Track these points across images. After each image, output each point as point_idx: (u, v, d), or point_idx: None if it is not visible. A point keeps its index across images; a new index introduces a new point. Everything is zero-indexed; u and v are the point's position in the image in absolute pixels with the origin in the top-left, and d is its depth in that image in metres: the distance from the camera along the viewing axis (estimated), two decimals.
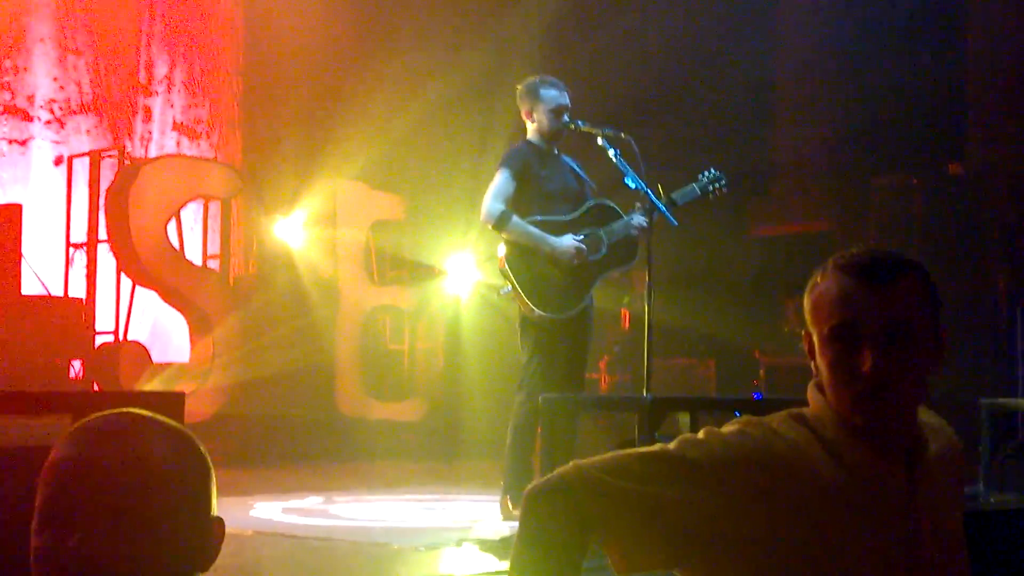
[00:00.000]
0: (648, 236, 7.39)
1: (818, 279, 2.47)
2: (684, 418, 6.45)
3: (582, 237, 7.72)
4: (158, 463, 2.04)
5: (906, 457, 2.45)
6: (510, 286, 7.70)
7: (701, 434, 2.44)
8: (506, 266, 7.67)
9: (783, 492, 2.34)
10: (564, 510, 2.36)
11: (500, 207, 7.64)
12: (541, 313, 7.59)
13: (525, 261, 7.65)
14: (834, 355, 2.40)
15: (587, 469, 2.38)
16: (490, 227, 7.75)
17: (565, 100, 7.87)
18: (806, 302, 2.50)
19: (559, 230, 7.71)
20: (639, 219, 7.71)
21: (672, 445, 2.42)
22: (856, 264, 2.42)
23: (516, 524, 2.45)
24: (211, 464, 2.17)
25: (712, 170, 7.96)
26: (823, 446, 2.40)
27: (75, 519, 1.98)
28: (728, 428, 2.45)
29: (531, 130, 7.96)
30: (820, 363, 2.45)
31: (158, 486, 2.03)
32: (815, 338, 2.47)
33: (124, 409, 2.12)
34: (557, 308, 7.65)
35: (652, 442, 5.54)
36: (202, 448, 2.17)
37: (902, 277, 2.41)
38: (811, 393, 2.51)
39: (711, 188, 7.92)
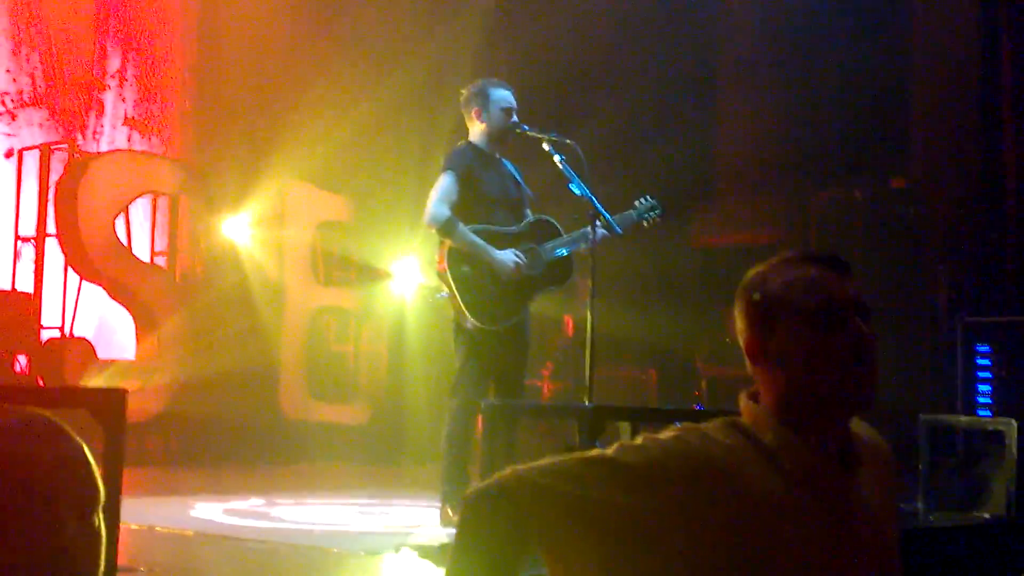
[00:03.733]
0: (592, 246, 7.42)
1: (768, 278, 2.53)
2: (624, 427, 6.51)
3: (522, 251, 7.78)
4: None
5: (841, 465, 2.48)
6: (447, 291, 7.76)
7: (639, 439, 2.43)
8: (446, 270, 7.69)
9: (721, 498, 2.34)
10: (502, 516, 2.35)
11: (446, 212, 7.65)
12: (474, 322, 7.62)
13: (465, 268, 7.68)
14: (816, 335, 2.45)
15: (525, 473, 2.37)
16: (434, 231, 7.77)
17: (514, 102, 7.95)
18: (753, 301, 2.54)
19: (501, 241, 7.75)
20: (583, 243, 7.74)
21: (610, 450, 2.42)
22: (818, 256, 2.53)
23: (454, 530, 2.46)
24: (93, 475, 2.15)
25: (648, 198, 8.06)
26: (760, 453, 2.42)
27: None
28: (666, 434, 2.44)
29: (476, 132, 8.00)
30: (785, 354, 2.49)
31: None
32: (775, 332, 2.50)
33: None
34: (490, 319, 7.66)
35: (592, 450, 5.61)
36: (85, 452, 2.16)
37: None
38: (744, 403, 2.55)
39: (646, 216, 8.02)
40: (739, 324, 2.59)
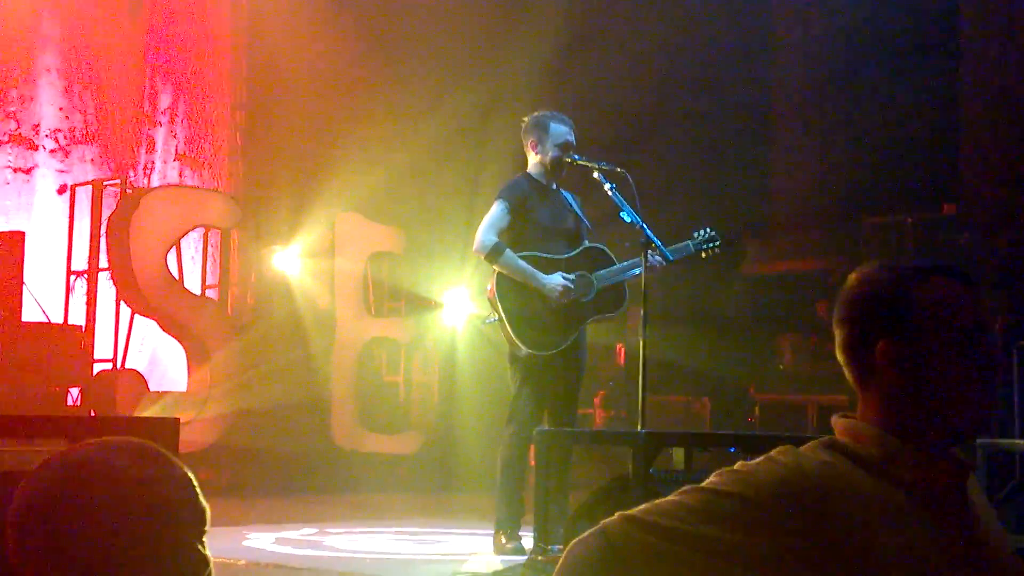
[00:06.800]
0: (644, 274, 7.36)
1: (914, 288, 2.39)
2: (678, 453, 6.47)
3: (572, 277, 7.76)
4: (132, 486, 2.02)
5: (958, 471, 2.37)
6: (496, 316, 7.75)
7: (738, 465, 2.32)
8: (495, 297, 7.69)
9: (833, 515, 2.23)
10: (605, 567, 2.27)
11: (493, 238, 7.67)
12: (524, 349, 7.62)
13: (514, 294, 7.66)
14: (963, 356, 2.35)
15: (634, 529, 2.27)
16: (482, 257, 7.77)
17: (572, 138, 7.89)
18: (894, 306, 2.40)
19: (550, 268, 7.72)
20: (636, 271, 7.66)
21: (731, 489, 2.28)
22: (952, 270, 2.42)
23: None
24: (201, 501, 2.10)
25: (707, 230, 7.94)
26: (866, 468, 2.30)
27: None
28: (767, 456, 2.32)
29: (532, 163, 7.99)
30: (921, 366, 2.36)
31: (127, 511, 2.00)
32: (915, 343, 2.36)
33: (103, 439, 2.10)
34: (540, 345, 7.64)
35: (646, 477, 5.59)
36: (191, 478, 2.11)
37: None
38: (841, 422, 2.43)
39: (705, 247, 7.94)
40: (855, 327, 2.44)
